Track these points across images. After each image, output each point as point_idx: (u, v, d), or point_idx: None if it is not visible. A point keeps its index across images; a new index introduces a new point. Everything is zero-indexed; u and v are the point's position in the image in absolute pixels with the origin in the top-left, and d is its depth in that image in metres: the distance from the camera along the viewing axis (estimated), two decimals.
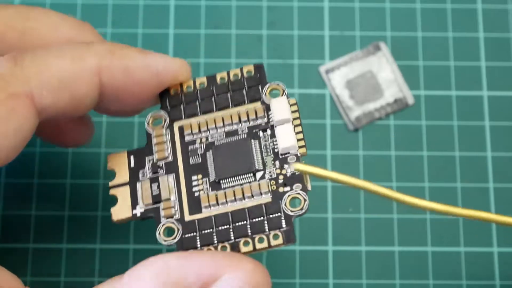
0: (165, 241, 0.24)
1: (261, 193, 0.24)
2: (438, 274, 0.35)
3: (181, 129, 0.26)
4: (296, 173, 0.25)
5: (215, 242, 0.24)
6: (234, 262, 0.22)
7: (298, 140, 0.25)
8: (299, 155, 0.25)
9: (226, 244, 0.24)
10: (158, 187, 0.25)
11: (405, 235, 0.35)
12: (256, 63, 0.27)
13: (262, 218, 0.24)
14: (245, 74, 0.27)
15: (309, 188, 0.25)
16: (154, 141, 0.26)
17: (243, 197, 0.24)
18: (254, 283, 0.22)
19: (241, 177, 0.25)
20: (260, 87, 0.26)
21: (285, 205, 0.24)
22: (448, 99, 0.37)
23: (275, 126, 0.25)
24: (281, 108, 0.25)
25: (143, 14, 0.39)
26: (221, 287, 0.22)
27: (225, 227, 0.24)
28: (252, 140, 0.25)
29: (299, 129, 0.25)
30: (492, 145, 0.37)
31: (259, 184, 0.24)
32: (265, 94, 0.26)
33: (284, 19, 0.39)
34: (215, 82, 0.26)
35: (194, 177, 0.25)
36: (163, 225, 0.25)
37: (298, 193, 0.24)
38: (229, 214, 0.24)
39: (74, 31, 0.28)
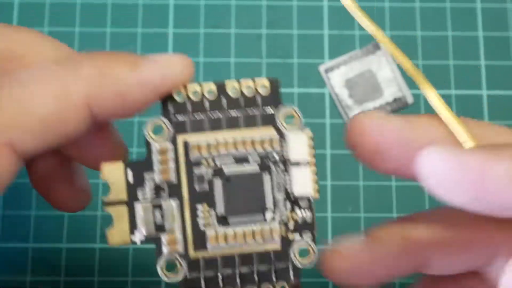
0: (167, 277, 0.23)
1: (271, 238, 0.23)
2: None
3: (186, 146, 0.23)
4: (308, 221, 0.24)
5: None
6: None
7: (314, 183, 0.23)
8: (312, 200, 0.24)
9: None
10: (162, 214, 0.23)
11: None
12: (271, 78, 0.24)
13: (269, 266, 0.23)
14: (258, 89, 0.24)
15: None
16: (156, 157, 0.23)
17: (253, 240, 0.23)
18: None
19: (251, 216, 0.23)
20: (273, 109, 0.24)
21: (294, 255, 0.23)
22: (447, 98, 0.37)
23: (291, 165, 0.23)
24: (299, 147, 0.23)
25: (142, 13, 0.39)
26: None
27: (231, 271, 0.23)
28: (264, 174, 0.23)
29: (314, 170, 0.24)
30: None
31: (270, 229, 0.23)
32: (279, 120, 0.24)
33: (284, 18, 0.39)
34: (224, 92, 0.23)
35: (199, 206, 0.23)
36: (165, 259, 0.23)
37: (309, 244, 0.24)
38: (236, 257, 0.23)
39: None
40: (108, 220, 0.35)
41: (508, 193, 0.20)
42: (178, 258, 0.23)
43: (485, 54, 0.38)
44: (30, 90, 0.21)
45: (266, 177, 0.23)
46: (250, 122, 0.23)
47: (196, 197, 0.23)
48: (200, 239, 0.23)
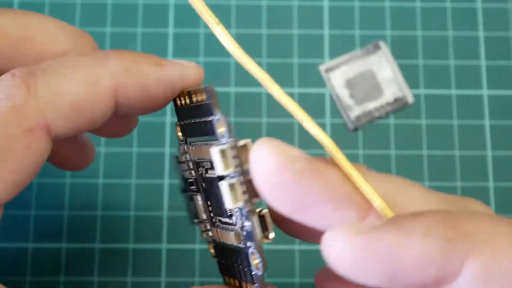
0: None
1: (238, 243, 0.23)
2: None
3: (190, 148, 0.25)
4: (249, 231, 0.22)
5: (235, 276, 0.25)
6: None
7: (243, 193, 0.21)
8: (241, 211, 0.22)
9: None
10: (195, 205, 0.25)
11: None
12: (207, 87, 0.23)
13: (243, 267, 0.24)
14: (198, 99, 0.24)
15: (270, 237, 0.22)
16: (181, 157, 0.25)
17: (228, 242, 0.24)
18: None
19: (226, 219, 0.23)
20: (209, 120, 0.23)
21: (251, 261, 0.23)
22: (448, 98, 0.37)
23: (218, 179, 0.22)
24: (216, 161, 0.21)
25: (142, 13, 0.39)
26: None
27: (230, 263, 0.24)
28: (219, 183, 0.22)
29: (240, 180, 0.21)
30: (492, 144, 0.37)
31: (232, 235, 0.23)
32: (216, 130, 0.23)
33: (284, 18, 0.39)
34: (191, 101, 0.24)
35: (207, 202, 0.25)
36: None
37: (251, 253, 0.23)
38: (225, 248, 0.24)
39: (71, 42, 0.26)
40: (107, 221, 0.35)
41: (425, 274, 0.18)
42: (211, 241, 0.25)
43: (485, 54, 0.38)
44: (63, 77, 0.22)
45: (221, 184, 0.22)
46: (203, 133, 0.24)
47: (205, 194, 0.24)
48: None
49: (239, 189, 0.21)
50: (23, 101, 0.22)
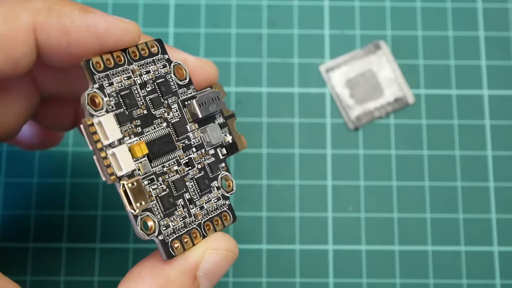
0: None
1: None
2: (439, 273, 0.35)
3: None
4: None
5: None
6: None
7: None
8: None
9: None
10: None
11: (405, 234, 0.35)
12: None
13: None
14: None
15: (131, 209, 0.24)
16: None
17: None
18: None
19: None
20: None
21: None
22: (448, 98, 0.37)
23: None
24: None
25: (143, 12, 0.39)
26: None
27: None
28: None
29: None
30: (493, 144, 0.37)
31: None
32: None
33: (284, 18, 0.39)
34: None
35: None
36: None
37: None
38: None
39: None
40: (106, 221, 0.35)
41: None
42: None
43: (486, 54, 0.38)
44: None
45: None
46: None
47: None
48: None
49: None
50: None
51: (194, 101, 0.26)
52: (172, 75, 0.26)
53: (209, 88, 0.28)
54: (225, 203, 0.27)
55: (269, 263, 0.35)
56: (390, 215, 0.36)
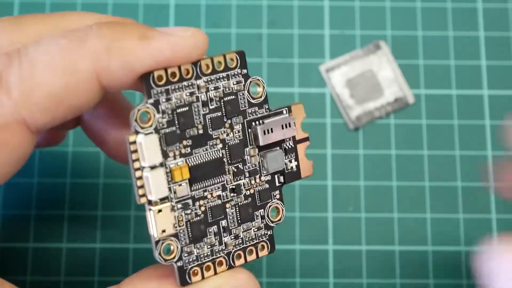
0: None
1: None
2: (439, 273, 0.35)
3: None
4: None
5: None
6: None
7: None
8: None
9: None
10: None
11: (405, 234, 0.35)
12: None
13: None
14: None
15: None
16: None
17: None
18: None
19: None
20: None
21: None
22: (448, 98, 0.37)
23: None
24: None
25: (143, 13, 0.39)
26: None
27: None
28: None
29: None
30: (493, 144, 0.37)
31: None
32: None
33: (284, 18, 0.39)
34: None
35: None
36: None
37: None
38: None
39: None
40: (106, 221, 0.35)
41: None
42: None
43: (486, 54, 0.38)
44: (39, 66, 0.21)
45: None
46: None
47: None
48: None
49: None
50: None
51: (258, 127, 0.24)
52: (246, 92, 0.24)
53: (285, 110, 0.25)
54: (267, 233, 0.25)
55: (269, 263, 0.35)
56: (390, 215, 0.36)
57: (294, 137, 0.25)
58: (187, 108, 0.23)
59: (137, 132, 0.22)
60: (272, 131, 0.24)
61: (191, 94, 0.23)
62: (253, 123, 0.25)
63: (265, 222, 0.25)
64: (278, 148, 0.25)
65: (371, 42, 0.38)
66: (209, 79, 0.24)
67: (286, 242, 0.35)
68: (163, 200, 0.23)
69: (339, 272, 0.35)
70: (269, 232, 0.25)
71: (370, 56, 0.38)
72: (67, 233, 0.35)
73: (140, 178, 0.22)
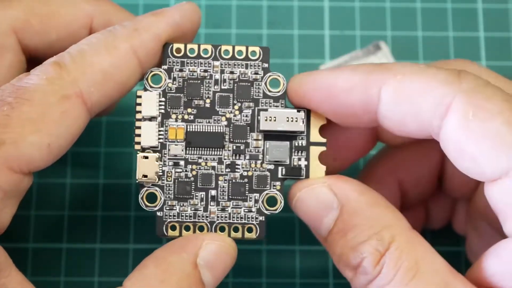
0: None
1: None
2: None
3: None
4: None
5: None
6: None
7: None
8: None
9: None
10: None
11: None
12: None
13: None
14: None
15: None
16: None
17: None
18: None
19: None
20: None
21: None
22: None
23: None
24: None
25: (143, 13, 0.39)
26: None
27: None
28: None
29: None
30: None
31: None
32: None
33: (284, 18, 0.39)
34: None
35: None
36: None
37: None
38: None
39: (92, 6, 0.30)
40: (106, 221, 0.35)
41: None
42: None
43: (486, 54, 0.38)
44: (87, 51, 0.25)
45: None
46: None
47: None
48: None
49: None
50: (56, 74, 0.24)
51: (261, 112, 0.26)
52: (263, 83, 0.26)
53: (303, 110, 0.26)
54: (258, 217, 0.26)
55: (269, 263, 0.35)
56: None
57: (307, 137, 0.26)
58: (197, 81, 0.26)
59: (145, 89, 0.26)
60: (275, 120, 0.26)
61: (205, 71, 0.26)
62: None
63: (258, 207, 0.26)
64: (287, 142, 0.26)
65: (371, 43, 0.38)
66: (227, 63, 0.27)
67: (286, 242, 0.35)
68: (154, 150, 0.26)
69: (339, 272, 0.35)
70: (261, 218, 0.26)
71: (370, 57, 0.38)
72: (67, 233, 0.35)
73: (138, 127, 0.26)
